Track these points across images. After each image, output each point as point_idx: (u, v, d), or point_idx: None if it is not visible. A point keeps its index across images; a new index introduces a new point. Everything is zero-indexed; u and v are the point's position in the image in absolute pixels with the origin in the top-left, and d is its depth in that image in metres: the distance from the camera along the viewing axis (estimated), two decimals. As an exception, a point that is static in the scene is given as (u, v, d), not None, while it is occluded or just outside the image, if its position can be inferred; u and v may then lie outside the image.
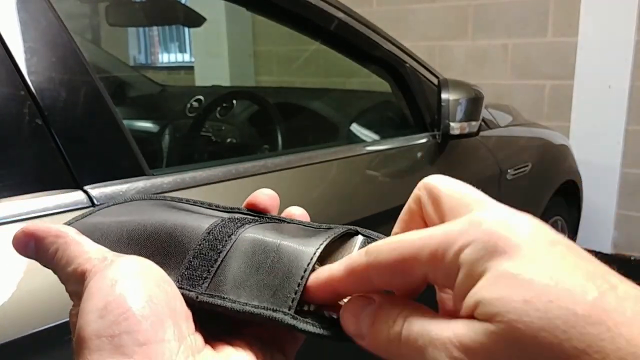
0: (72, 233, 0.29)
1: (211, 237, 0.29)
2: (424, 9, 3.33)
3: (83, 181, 0.70)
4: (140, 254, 0.29)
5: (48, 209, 0.64)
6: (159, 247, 0.30)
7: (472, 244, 0.21)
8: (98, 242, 0.30)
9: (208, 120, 1.82)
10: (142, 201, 0.36)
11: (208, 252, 0.28)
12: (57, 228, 0.29)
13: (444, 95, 1.37)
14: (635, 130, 2.84)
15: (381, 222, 1.13)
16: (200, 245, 0.29)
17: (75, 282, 0.27)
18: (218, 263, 0.28)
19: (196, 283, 0.27)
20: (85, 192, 0.69)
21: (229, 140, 1.79)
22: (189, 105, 1.94)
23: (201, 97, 1.95)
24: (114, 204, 0.36)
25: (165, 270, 0.28)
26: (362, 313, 0.25)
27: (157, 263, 0.28)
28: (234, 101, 1.91)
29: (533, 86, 3.10)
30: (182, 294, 0.27)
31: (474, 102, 1.42)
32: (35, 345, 0.57)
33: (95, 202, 0.69)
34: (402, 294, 0.25)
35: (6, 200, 0.62)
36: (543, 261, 0.20)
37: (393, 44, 1.41)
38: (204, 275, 0.27)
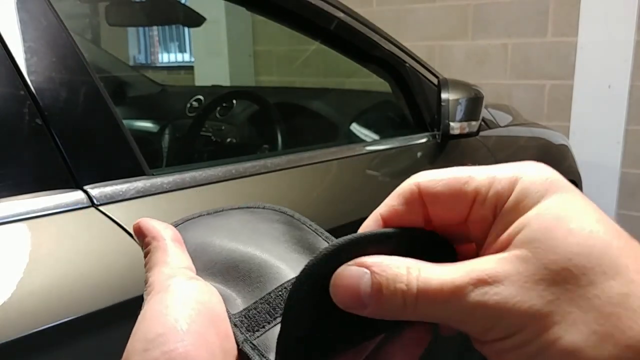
0: (168, 238, 0.29)
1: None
2: (424, 9, 3.33)
3: (83, 181, 0.70)
4: (227, 274, 0.29)
5: (48, 208, 0.65)
6: (245, 275, 0.29)
7: (533, 178, 0.23)
8: (202, 249, 0.30)
9: (208, 120, 1.82)
10: (263, 210, 0.35)
11: (279, 303, 0.27)
12: (157, 230, 0.29)
13: (443, 95, 1.37)
14: (635, 130, 2.84)
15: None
16: (278, 290, 0.27)
17: (145, 291, 0.27)
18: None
19: (254, 328, 0.26)
20: (85, 191, 0.69)
21: (229, 140, 1.79)
22: (189, 105, 1.94)
23: (201, 97, 1.95)
24: (238, 208, 0.36)
25: (238, 299, 0.27)
26: (361, 281, 0.23)
27: (236, 290, 0.28)
28: (234, 101, 1.91)
29: (533, 86, 3.10)
30: (233, 332, 0.25)
31: (474, 102, 1.42)
32: (35, 345, 0.57)
33: (95, 202, 0.69)
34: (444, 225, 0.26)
35: (6, 200, 0.63)
36: (583, 214, 0.22)
37: (393, 44, 1.41)
38: (264, 325, 0.26)
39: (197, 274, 0.29)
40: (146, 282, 0.28)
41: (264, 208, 0.36)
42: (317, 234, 0.33)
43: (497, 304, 0.21)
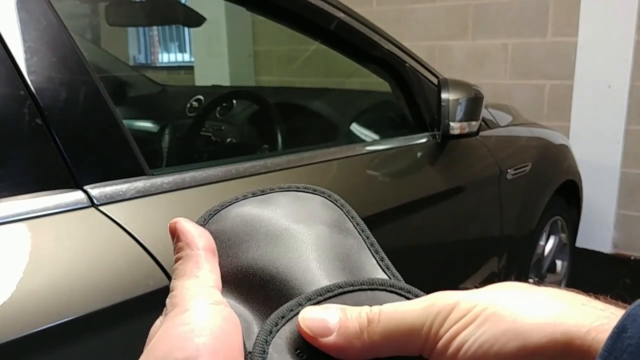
0: (202, 249, 0.29)
1: None
2: (424, 9, 3.33)
3: (83, 181, 0.70)
4: (254, 292, 0.29)
5: (48, 208, 0.65)
6: (271, 299, 0.29)
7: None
8: (238, 247, 0.30)
9: (208, 120, 1.82)
10: (313, 198, 0.34)
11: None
12: (192, 236, 0.29)
13: (443, 95, 1.37)
14: (635, 130, 2.84)
15: (381, 222, 1.12)
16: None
17: (169, 299, 0.27)
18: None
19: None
20: (85, 191, 0.69)
21: (229, 140, 1.79)
22: (189, 105, 1.94)
23: (201, 97, 1.95)
24: (287, 189, 0.34)
25: (256, 330, 0.27)
26: (328, 311, 0.26)
27: (258, 317, 0.28)
28: (234, 101, 1.91)
29: (533, 86, 3.10)
30: None
31: (474, 102, 1.42)
32: (35, 345, 0.57)
33: (95, 202, 0.69)
34: None
35: (6, 200, 0.63)
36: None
37: (393, 44, 1.41)
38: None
39: (224, 285, 0.29)
40: (171, 290, 0.27)
41: (314, 192, 0.34)
42: (363, 238, 0.32)
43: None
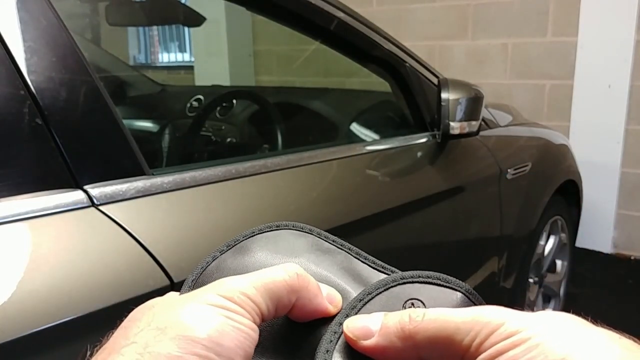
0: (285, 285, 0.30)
1: None
2: (424, 9, 3.33)
3: (83, 181, 0.70)
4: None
5: (48, 208, 0.65)
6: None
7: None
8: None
9: (208, 120, 1.82)
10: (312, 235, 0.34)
11: None
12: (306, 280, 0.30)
13: (443, 95, 1.37)
14: (635, 130, 2.84)
15: (381, 222, 1.13)
16: None
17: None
18: None
19: None
20: (85, 191, 0.69)
21: (229, 140, 1.79)
22: (189, 105, 1.94)
23: (201, 97, 1.95)
24: (244, 238, 0.33)
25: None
26: (371, 316, 0.27)
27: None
28: (234, 101, 1.91)
29: (533, 86, 3.10)
30: None
31: (474, 102, 1.41)
32: (35, 345, 0.57)
33: (95, 202, 0.69)
34: None
35: (6, 200, 0.63)
36: None
37: (393, 43, 1.41)
38: None
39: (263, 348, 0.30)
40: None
41: (278, 228, 0.34)
42: (346, 251, 0.33)
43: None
